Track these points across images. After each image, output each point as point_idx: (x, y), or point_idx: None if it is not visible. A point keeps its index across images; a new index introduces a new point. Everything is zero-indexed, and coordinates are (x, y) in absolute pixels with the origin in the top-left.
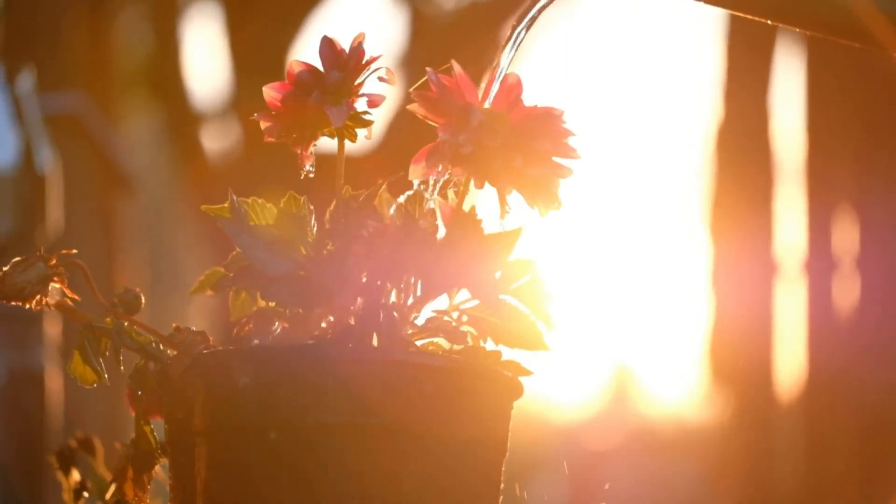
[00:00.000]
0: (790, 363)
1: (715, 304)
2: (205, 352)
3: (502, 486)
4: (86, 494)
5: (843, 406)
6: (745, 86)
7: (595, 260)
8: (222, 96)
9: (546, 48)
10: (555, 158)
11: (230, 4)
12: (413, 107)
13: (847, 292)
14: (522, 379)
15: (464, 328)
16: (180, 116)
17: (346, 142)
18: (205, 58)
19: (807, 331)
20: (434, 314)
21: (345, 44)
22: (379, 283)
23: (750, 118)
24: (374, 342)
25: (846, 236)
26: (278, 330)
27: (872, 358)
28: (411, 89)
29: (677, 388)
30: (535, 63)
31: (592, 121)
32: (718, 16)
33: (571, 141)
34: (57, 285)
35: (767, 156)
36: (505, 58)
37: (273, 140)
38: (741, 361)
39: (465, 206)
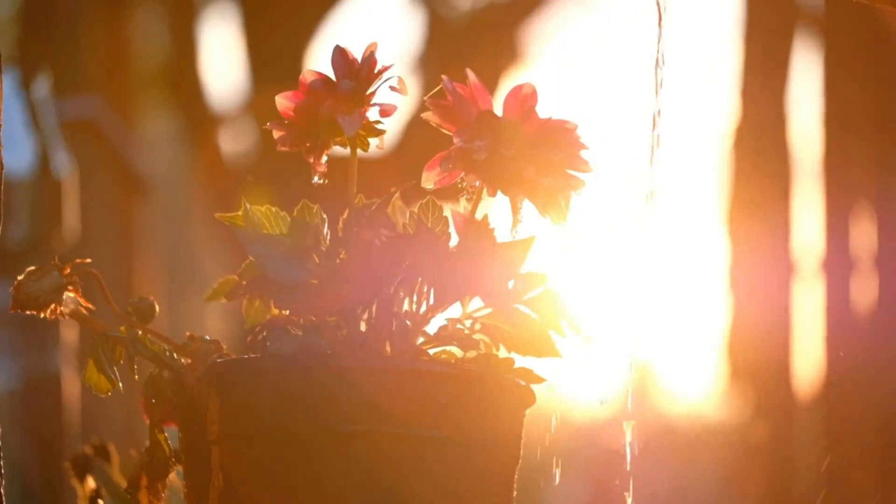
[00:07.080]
0: (809, 361)
1: (734, 302)
2: (218, 360)
3: (515, 493)
4: (101, 501)
5: (862, 403)
6: (762, 84)
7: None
8: (239, 100)
9: (562, 46)
10: (568, 170)
11: (246, 7)
12: (427, 115)
13: (865, 290)
14: (533, 384)
15: (476, 336)
16: (197, 120)
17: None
18: (222, 61)
19: (825, 328)
20: (447, 322)
21: (357, 52)
22: (392, 291)
23: (767, 117)
24: (387, 350)
25: (864, 234)
26: (291, 338)
27: (891, 355)
28: (426, 97)
29: (697, 386)
30: (550, 62)
31: (608, 120)
32: (736, 14)
33: (585, 154)
34: (71, 294)
35: (785, 154)
36: (659, 73)
37: (286, 149)
38: (760, 359)
39: (478, 215)
